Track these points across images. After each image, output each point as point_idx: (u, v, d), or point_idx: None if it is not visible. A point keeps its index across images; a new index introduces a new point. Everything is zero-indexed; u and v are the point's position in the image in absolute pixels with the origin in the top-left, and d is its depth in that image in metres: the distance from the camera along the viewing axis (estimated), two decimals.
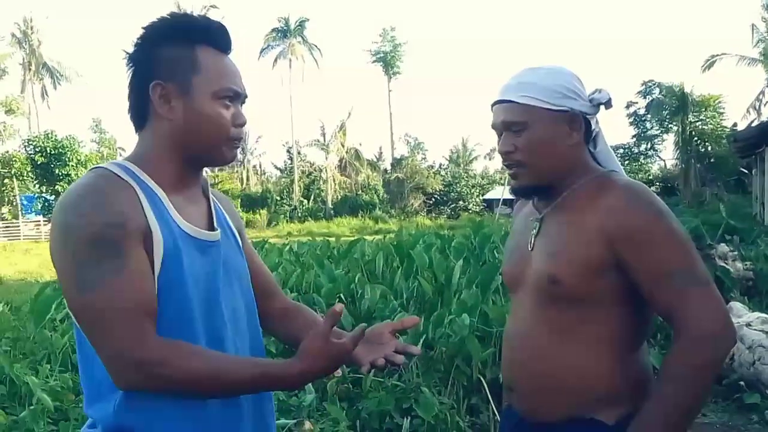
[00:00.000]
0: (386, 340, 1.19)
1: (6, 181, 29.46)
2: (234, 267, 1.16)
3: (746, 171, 16.31)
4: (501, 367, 1.42)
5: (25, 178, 28.23)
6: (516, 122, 1.25)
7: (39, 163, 25.36)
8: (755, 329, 3.99)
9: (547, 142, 1.24)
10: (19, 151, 28.72)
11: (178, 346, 0.97)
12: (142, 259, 0.98)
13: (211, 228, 1.14)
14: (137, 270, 0.97)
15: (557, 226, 1.26)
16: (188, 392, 0.99)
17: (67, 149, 25.38)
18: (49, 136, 25.89)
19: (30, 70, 36.72)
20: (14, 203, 30.75)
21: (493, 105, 1.31)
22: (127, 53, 1.10)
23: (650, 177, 31.99)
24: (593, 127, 1.30)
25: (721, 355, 1.12)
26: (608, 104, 1.28)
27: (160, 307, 1.00)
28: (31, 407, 2.71)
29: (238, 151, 1.16)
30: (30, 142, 26.51)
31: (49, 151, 25.16)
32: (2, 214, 31.75)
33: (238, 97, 1.11)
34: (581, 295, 1.19)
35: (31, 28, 36.48)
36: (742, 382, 3.83)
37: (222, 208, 1.23)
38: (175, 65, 1.07)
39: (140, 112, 1.10)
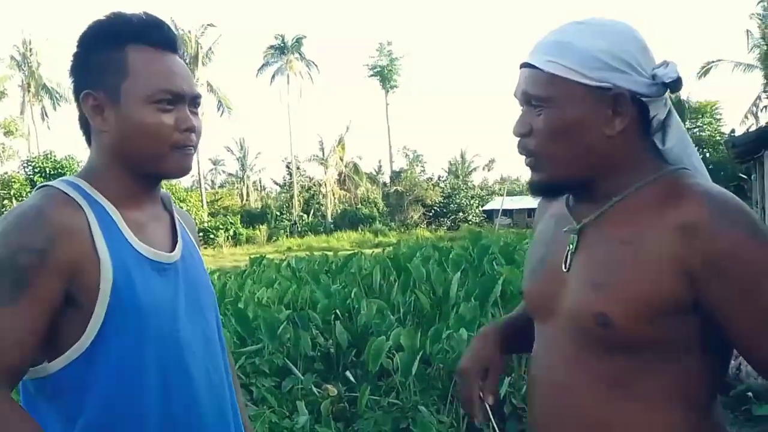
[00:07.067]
0: None
1: (5, 202, 29.45)
2: (202, 285, 1.10)
3: (745, 176, 16.27)
4: (528, 410, 1.07)
5: (24, 198, 28.27)
6: (537, 96, 0.92)
7: (38, 183, 25.42)
8: None
9: (574, 127, 0.90)
10: (18, 172, 28.79)
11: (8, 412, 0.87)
12: (47, 297, 0.89)
13: (174, 244, 1.07)
14: (31, 310, 0.88)
15: (605, 244, 0.92)
16: None
17: (66, 169, 25.44)
18: (48, 156, 25.96)
19: (29, 91, 36.81)
20: None
21: (520, 66, 0.98)
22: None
23: None
24: (653, 113, 0.92)
25: None
26: (675, 85, 0.90)
27: (112, 335, 0.93)
28: None
29: (191, 159, 1.04)
30: (29, 163, 26.58)
31: (48, 172, 25.22)
32: None
33: (181, 99, 1.00)
34: (642, 342, 0.87)
35: (30, 50, 36.62)
36: (750, 393, 3.73)
37: (185, 225, 1.16)
38: (103, 71, 0.98)
39: (83, 126, 1.03)
